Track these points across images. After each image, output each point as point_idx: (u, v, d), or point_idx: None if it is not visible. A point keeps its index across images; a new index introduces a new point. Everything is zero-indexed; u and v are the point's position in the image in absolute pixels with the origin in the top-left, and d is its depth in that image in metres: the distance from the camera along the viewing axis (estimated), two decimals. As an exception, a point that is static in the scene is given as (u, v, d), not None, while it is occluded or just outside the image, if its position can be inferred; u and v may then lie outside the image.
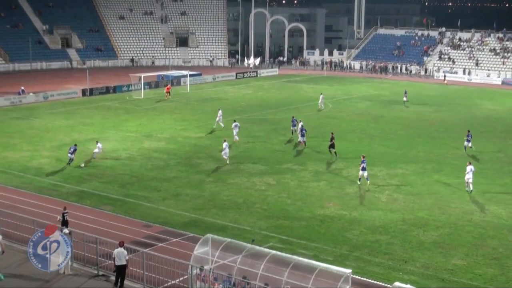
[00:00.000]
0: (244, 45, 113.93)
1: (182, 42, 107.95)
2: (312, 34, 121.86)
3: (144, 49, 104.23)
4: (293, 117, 50.76)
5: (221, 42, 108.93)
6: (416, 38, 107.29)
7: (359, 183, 36.68)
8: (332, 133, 43.94)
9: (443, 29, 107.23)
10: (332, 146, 42.39)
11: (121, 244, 23.12)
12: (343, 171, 39.61)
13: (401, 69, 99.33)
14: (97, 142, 42.38)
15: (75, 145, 41.32)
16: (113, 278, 23.42)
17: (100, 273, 24.18)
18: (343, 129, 53.24)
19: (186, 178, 37.85)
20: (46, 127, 52.81)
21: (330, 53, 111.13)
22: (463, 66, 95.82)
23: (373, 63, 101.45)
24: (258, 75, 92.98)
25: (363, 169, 36.20)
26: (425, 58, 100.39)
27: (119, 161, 41.60)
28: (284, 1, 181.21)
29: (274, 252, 22.23)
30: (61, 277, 23.81)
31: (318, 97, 64.30)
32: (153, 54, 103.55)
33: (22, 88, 68.00)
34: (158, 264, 23.09)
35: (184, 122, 53.77)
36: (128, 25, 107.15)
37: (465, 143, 45.08)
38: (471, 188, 35.28)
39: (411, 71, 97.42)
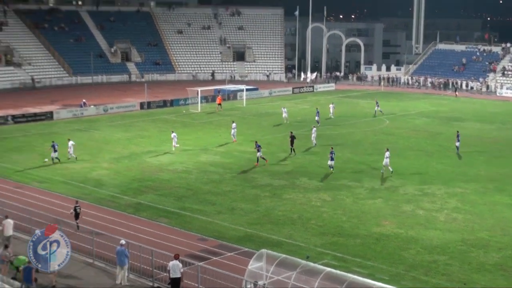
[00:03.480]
0: (301, 59, 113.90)
1: (239, 56, 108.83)
2: (370, 49, 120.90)
3: (201, 63, 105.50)
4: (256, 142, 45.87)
5: (278, 57, 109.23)
6: (478, 53, 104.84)
7: (331, 170, 42.53)
8: (292, 132, 49.33)
9: (507, 44, 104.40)
10: (292, 143, 48.02)
11: (176, 257, 23.33)
12: (400, 188, 38.92)
13: (461, 85, 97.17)
14: (68, 140, 45.69)
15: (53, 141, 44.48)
16: (168, 290, 23.62)
17: (155, 285, 24.48)
18: (400, 145, 52.38)
19: (241, 192, 37.94)
20: (105, 139, 53.99)
21: (388, 69, 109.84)
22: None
23: (434, 79, 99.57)
24: (315, 90, 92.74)
25: (331, 159, 42.67)
26: (485, 76, 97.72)
27: (176, 174, 42.07)
28: (341, 16, 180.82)
29: (329, 269, 22.04)
30: (118, 288, 24.21)
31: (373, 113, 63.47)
32: (212, 68, 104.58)
33: (84, 100, 69.82)
34: (213, 278, 23.21)
35: (240, 136, 53.97)
36: (186, 39, 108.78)
37: (456, 143, 49.56)
38: (391, 170, 41.68)
39: (472, 88, 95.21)
